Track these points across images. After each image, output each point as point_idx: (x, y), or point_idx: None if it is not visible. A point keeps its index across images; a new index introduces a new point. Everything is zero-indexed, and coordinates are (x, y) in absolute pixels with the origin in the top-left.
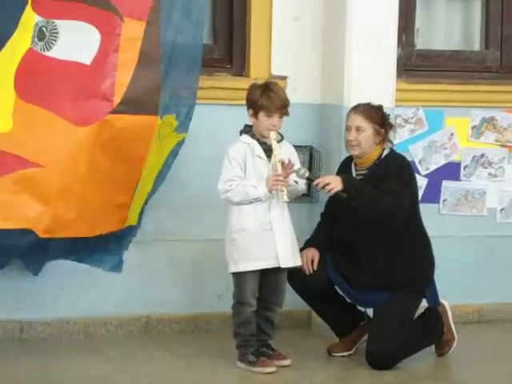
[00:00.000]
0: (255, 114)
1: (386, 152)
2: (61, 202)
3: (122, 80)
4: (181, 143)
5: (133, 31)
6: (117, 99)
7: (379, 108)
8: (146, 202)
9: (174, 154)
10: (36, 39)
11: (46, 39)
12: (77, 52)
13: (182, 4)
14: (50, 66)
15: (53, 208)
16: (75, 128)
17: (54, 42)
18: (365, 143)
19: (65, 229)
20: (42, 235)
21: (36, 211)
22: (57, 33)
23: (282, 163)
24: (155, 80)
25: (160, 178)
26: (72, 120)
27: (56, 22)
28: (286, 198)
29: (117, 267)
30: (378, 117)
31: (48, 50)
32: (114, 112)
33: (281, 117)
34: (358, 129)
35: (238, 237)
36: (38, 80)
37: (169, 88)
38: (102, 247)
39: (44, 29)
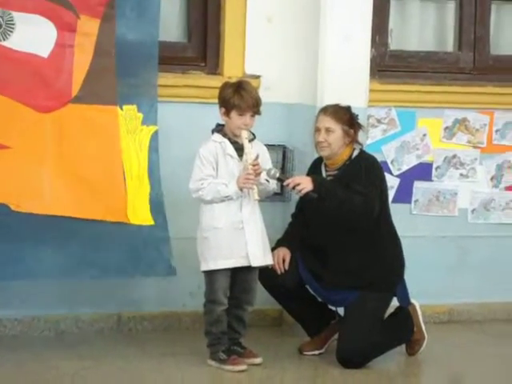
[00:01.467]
0: (227, 113)
1: (355, 152)
2: (35, 180)
3: (78, 74)
4: (155, 137)
5: (88, 27)
6: (74, 91)
7: (348, 109)
8: (160, 206)
9: (154, 149)
10: None
11: (2, 29)
12: (34, 44)
13: (136, 2)
14: (7, 55)
15: (26, 185)
16: (37, 114)
17: (10, 33)
18: (334, 144)
19: (42, 206)
20: (14, 209)
21: (8, 186)
22: (13, 24)
23: (253, 162)
24: (110, 73)
25: (154, 178)
26: (33, 107)
27: (13, 13)
28: (256, 196)
29: (170, 271)
30: (346, 118)
31: (4, 40)
32: (73, 102)
33: (253, 116)
34: (327, 130)
35: (210, 235)
36: None
37: (126, 81)
38: (138, 257)
39: (0, 19)
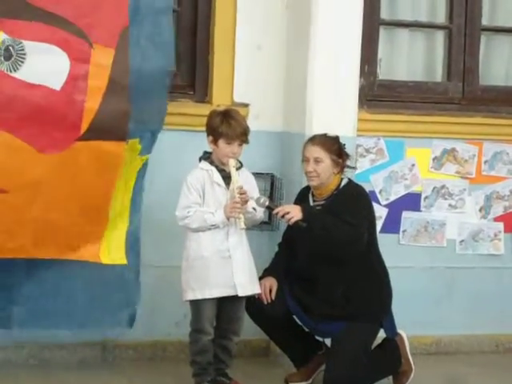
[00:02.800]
0: (215, 141)
1: (344, 182)
2: (23, 226)
3: (90, 107)
4: (145, 165)
5: (102, 58)
6: (84, 126)
7: (336, 139)
8: (137, 242)
9: (141, 176)
10: (2, 58)
11: (12, 59)
12: (46, 76)
13: (150, 32)
14: (16, 87)
15: (15, 232)
16: (38, 154)
17: (21, 64)
18: (323, 174)
19: (23, 251)
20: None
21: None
22: (24, 54)
23: (240, 190)
24: (124, 107)
25: (135, 208)
26: (35, 146)
27: (24, 42)
28: (242, 225)
29: (131, 322)
30: (335, 147)
31: (15, 71)
32: (81, 139)
33: (240, 144)
34: (316, 160)
35: (196, 264)
36: (2, 101)
37: (135, 114)
38: (106, 304)
39: (11, 48)
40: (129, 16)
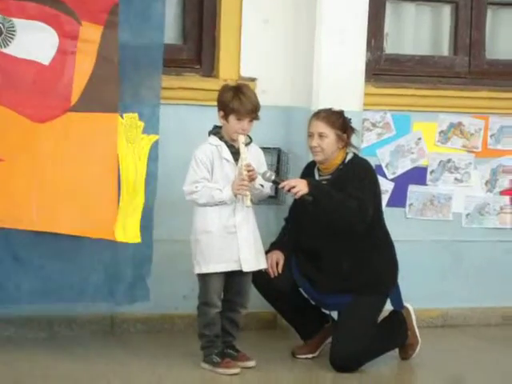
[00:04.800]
0: (225, 116)
1: (349, 157)
2: (27, 196)
3: (79, 81)
4: (155, 146)
5: (90, 34)
6: (74, 99)
7: (340, 113)
8: (150, 220)
9: (153, 158)
10: None
11: (2, 36)
12: (35, 51)
13: (140, 9)
14: (7, 62)
15: (14, 199)
16: (33, 124)
17: (11, 40)
18: (328, 149)
19: (28, 222)
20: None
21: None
22: (14, 31)
23: (248, 167)
24: (113, 80)
25: (149, 189)
26: (29, 116)
27: (14, 20)
28: (248, 203)
29: (144, 295)
30: (339, 122)
31: (5, 47)
32: (72, 110)
33: (251, 121)
34: (320, 135)
35: (202, 238)
36: None
37: (129, 88)
38: (118, 278)
39: (1, 25)
40: None
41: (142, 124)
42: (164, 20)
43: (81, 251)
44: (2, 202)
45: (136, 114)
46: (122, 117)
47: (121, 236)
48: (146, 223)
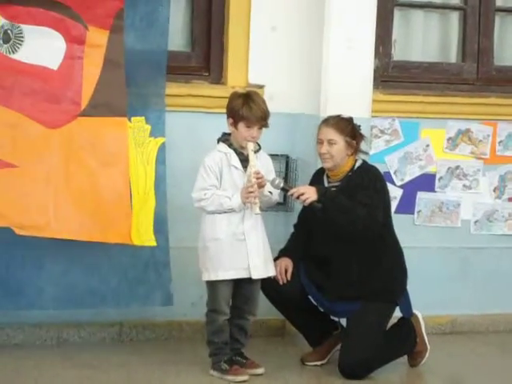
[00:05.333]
0: (235, 124)
1: (358, 163)
2: (42, 203)
3: (87, 85)
4: (163, 149)
5: (97, 39)
6: (84, 103)
7: (350, 120)
8: (164, 224)
9: (161, 161)
10: (1, 41)
11: (11, 42)
12: (43, 57)
13: (145, 13)
14: (16, 68)
15: (31, 207)
16: (46, 130)
17: (19, 46)
18: (337, 156)
19: (46, 229)
20: (18, 232)
21: (13, 208)
22: (22, 37)
23: (257, 175)
24: (120, 84)
25: (160, 192)
26: (43, 122)
27: (22, 26)
28: (257, 211)
29: (167, 300)
30: (349, 129)
31: (13, 53)
32: (82, 115)
33: (260, 128)
34: (329, 142)
35: (211, 245)
36: (4, 81)
37: (134, 92)
38: (138, 283)
39: (9, 32)
40: None
41: (148, 127)
42: (168, 25)
43: (100, 257)
44: (19, 208)
45: (143, 118)
46: (129, 120)
47: (136, 239)
48: (160, 227)
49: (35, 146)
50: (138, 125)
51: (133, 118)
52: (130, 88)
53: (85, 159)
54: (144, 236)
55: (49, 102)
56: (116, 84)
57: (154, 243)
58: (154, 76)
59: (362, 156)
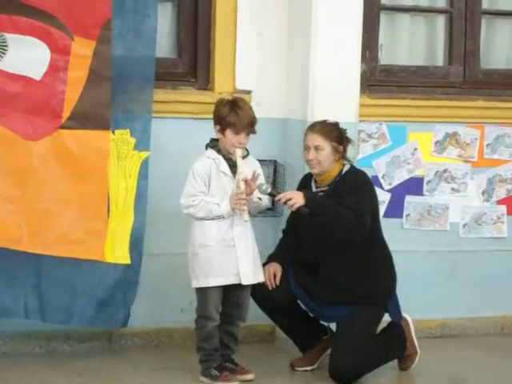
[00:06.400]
0: (222, 131)
1: (346, 168)
2: (17, 215)
3: (71, 96)
4: (146, 163)
5: (83, 49)
6: (66, 115)
7: (336, 125)
8: (140, 241)
9: (143, 176)
10: None
11: None
12: (27, 67)
13: (133, 23)
14: (0, 78)
15: (5, 220)
16: (23, 142)
17: (3, 55)
18: (324, 161)
19: (20, 243)
20: None
21: None
22: (6, 46)
23: (246, 181)
24: (105, 96)
25: (139, 208)
26: (21, 134)
27: (6, 35)
28: (246, 218)
29: (124, 321)
30: (335, 134)
31: None
32: (63, 127)
33: (248, 134)
34: (316, 148)
35: (200, 252)
36: None
37: (120, 104)
38: (105, 303)
39: None
40: (113, 7)
41: (133, 140)
42: (156, 35)
43: (71, 273)
44: None
45: (128, 131)
46: (113, 133)
47: (110, 257)
48: (136, 245)
49: (12, 158)
50: (123, 137)
51: (117, 131)
52: (116, 99)
53: (62, 173)
54: (118, 253)
55: (30, 113)
56: (100, 96)
57: (128, 261)
58: (142, 87)
59: (348, 162)
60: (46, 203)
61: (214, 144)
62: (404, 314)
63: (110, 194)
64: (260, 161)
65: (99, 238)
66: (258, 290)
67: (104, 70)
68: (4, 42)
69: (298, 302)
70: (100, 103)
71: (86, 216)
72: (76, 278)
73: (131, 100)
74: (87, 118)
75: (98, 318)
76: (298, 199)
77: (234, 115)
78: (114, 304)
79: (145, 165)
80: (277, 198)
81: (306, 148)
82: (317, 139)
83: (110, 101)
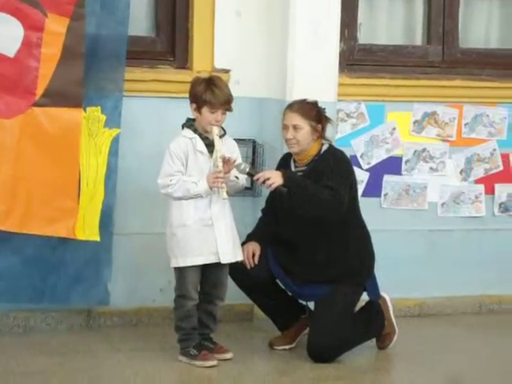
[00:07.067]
0: (198, 109)
1: (325, 147)
2: None
3: (44, 74)
4: (117, 140)
5: (56, 26)
6: (39, 92)
7: (314, 104)
8: (109, 218)
9: (113, 153)
10: None
11: None
12: (0, 44)
13: (106, 0)
14: None
15: None
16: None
17: None
18: (303, 141)
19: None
20: None
21: None
22: None
23: (223, 159)
24: (78, 74)
25: (110, 184)
26: None
27: None
28: (225, 196)
29: (104, 299)
30: (313, 113)
31: None
32: (37, 105)
33: (224, 112)
34: (295, 127)
35: (179, 232)
36: None
37: (92, 81)
38: (76, 280)
39: None
40: None
41: (104, 117)
42: (129, 12)
43: (40, 251)
44: None
45: (99, 108)
46: (84, 110)
47: (81, 234)
48: (106, 222)
49: None
50: (93, 114)
51: (88, 108)
52: (88, 76)
53: (34, 150)
54: (89, 230)
55: (3, 90)
56: (74, 73)
57: (97, 238)
58: (113, 64)
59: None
60: (18, 181)
61: (190, 123)
62: (382, 293)
63: (82, 171)
64: (239, 140)
65: (70, 215)
66: (236, 269)
67: (77, 47)
68: None
69: (277, 281)
70: (73, 80)
71: (57, 194)
72: (46, 256)
73: (103, 77)
74: (60, 95)
75: (71, 297)
76: (275, 179)
77: (209, 93)
78: (87, 281)
79: (115, 142)
80: (255, 178)
81: (285, 127)
82: (295, 118)
83: (82, 78)
